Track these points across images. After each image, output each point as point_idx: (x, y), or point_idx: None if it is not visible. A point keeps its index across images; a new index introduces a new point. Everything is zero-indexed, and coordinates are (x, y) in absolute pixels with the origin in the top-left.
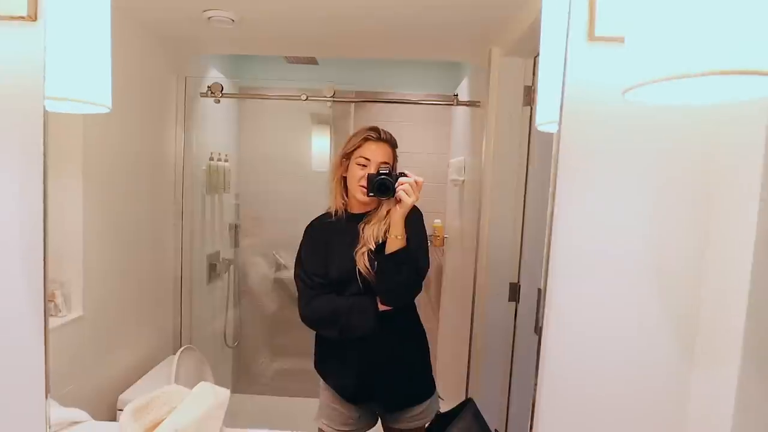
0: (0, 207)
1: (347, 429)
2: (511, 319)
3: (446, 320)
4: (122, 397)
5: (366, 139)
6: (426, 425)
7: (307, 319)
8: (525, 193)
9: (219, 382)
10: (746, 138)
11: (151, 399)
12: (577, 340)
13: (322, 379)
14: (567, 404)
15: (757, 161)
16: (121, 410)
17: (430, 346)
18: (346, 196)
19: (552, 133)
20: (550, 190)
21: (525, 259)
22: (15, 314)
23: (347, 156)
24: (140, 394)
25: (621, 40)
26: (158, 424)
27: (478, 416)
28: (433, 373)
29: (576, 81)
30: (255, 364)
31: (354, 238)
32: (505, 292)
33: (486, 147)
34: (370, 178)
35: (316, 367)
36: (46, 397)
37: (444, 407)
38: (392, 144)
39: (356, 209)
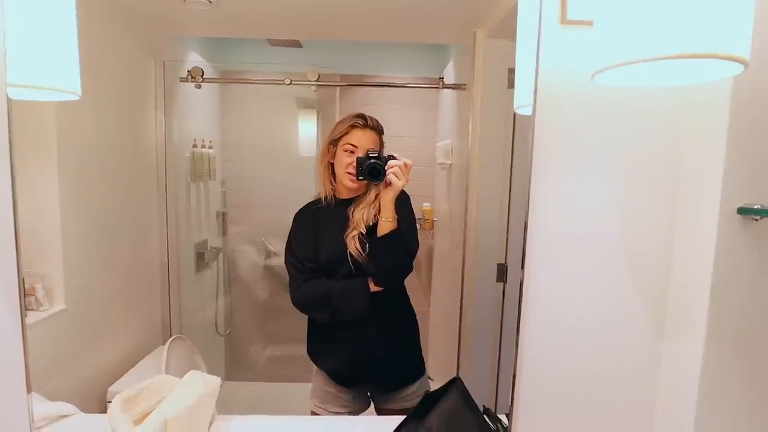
0: None
1: (339, 411)
2: (500, 299)
3: (437, 302)
4: (112, 389)
5: (353, 126)
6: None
7: (299, 303)
8: (511, 175)
9: (211, 370)
10: (711, 121)
11: (140, 389)
12: (553, 316)
13: (314, 364)
14: (546, 376)
15: (720, 143)
16: (111, 402)
17: (422, 329)
18: (334, 181)
19: (525, 117)
20: (529, 172)
21: (512, 240)
22: None
23: (334, 142)
24: (130, 385)
25: (592, 23)
26: (148, 414)
27: (465, 394)
28: (423, 354)
29: (549, 65)
30: (247, 351)
31: (343, 223)
32: (493, 272)
33: (472, 130)
34: (360, 162)
35: (308, 352)
36: (29, 392)
37: (434, 387)
38: (379, 131)
39: (344, 195)
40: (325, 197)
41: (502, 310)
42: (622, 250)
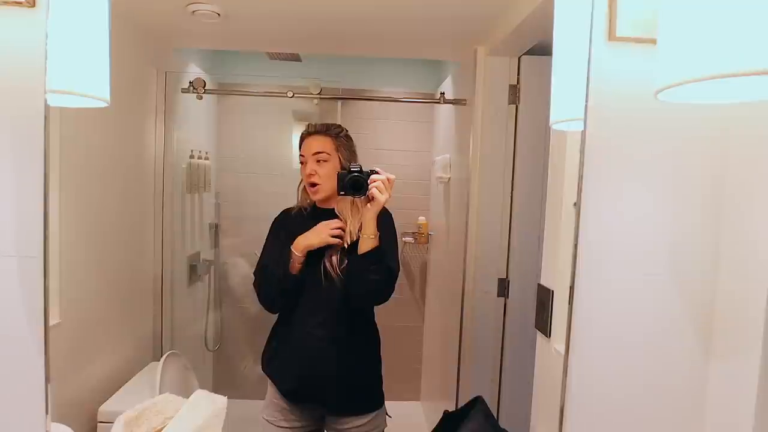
0: None
1: (288, 425)
2: (500, 314)
3: (432, 317)
4: (103, 408)
5: (302, 138)
6: None
7: (264, 298)
8: (512, 189)
9: (200, 386)
10: (759, 131)
11: (142, 409)
12: (600, 335)
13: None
14: (591, 400)
15: None
16: (102, 422)
17: (415, 344)
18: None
19: (559, 132)
20: (578, 188)
21: (513, 255)
22: (12, 328)
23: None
24: (121, 404)
25: (641, 40)
26: None
27: (489, 416)
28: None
29: (595, 81)
30: (237, 367)
31: None
32: (494, 287)
33: (473, 145)
34: (341, 176)
35: (261, 361)
36: (47, 412)
37: (390, 425)
38: (329, 133)
39: (323, 204)
40: (303, 206)
41: (504, 325)
42: (669, 264)
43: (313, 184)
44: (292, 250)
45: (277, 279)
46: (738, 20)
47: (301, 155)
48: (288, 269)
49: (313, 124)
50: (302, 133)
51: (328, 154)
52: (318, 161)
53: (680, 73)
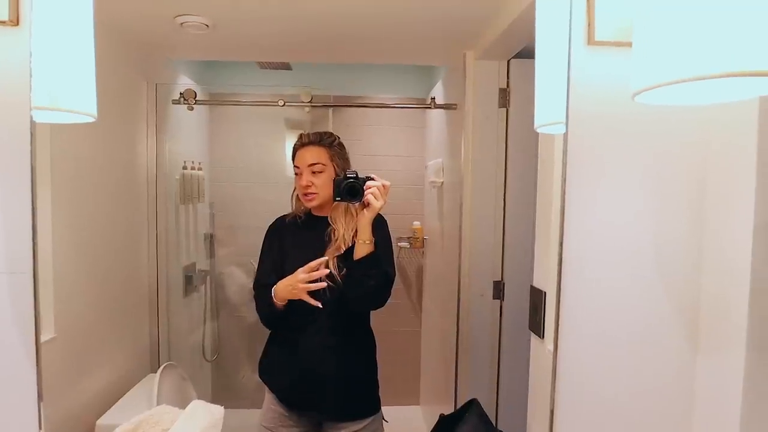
0: None
1: None
2: (497, 316)
3: (429, 321)
4: (100, 422)
5: (296, 149)
6: None
7: (265, 318)
8: (505, 192)
9: (199, 397)
10: (739, 134)
11: (139, 422)
12: (588, 334)
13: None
14: (581, 398)
15: (751, 154)
16: None
17: (413, 349)
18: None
19: (547, 134)
20: (561, 190)
21: (508, 257)
22: (3, 345)
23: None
24: (119, 417)
25: (620, 44)
26: None
27: (483, 418)
28: (379, 393)
29: (576, 84)
30: (235, 377)
31: (319, 241)
32: (489, 290)
33: (465, 149)
34: (338, 182)
35: (258, 369)
36: (40, 428)
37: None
38: (323, 143)
39: (317, 212)
40: (298, 214)
41: (500, 327)
42: (653, 263)
43: (308, 194)
44: (273, 298)
45: (269, 311)
46: (709, 24)
47: (296, 167)
48: (274, 308)
49: (306, 134)
50: (295, 144)
51: (323, 164)
52: (314, 173)
53: (654, 76)
